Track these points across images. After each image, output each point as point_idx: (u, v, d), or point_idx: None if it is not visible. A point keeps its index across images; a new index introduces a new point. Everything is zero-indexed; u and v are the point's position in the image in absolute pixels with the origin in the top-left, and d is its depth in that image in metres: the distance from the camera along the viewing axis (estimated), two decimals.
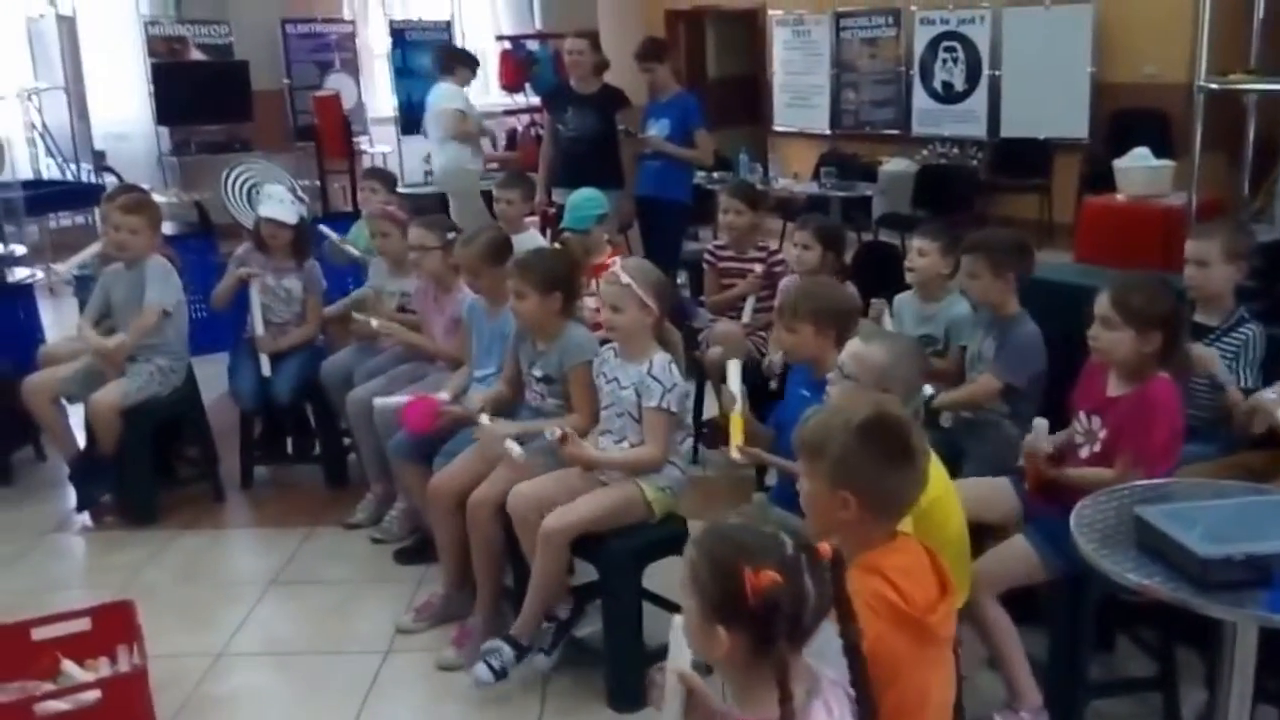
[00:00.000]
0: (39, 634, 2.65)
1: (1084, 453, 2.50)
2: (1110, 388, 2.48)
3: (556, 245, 4.02)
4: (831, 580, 1.39)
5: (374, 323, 3.64)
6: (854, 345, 2.33)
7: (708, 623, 1.37)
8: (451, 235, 3.54)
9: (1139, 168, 5.64)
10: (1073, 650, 2.38)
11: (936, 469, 2.14)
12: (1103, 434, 2.46)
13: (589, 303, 3.78)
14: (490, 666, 2.61)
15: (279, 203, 4.00)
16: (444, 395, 3.17)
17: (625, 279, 2.65)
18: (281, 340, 3.92)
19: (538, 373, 2.96)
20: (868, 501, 1.66)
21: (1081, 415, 2.53)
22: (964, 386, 3.03)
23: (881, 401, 1.81)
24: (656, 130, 5.28)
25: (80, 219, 7.72)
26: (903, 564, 1.67)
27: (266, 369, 3.85)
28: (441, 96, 6.14)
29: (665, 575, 2.66)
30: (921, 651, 1.63)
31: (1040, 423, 2.53)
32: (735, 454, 2.58)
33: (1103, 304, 2.43)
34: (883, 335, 2.75)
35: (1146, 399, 2.37)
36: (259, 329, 3.89)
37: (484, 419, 2.85)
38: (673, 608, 1.55)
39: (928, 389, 2.80)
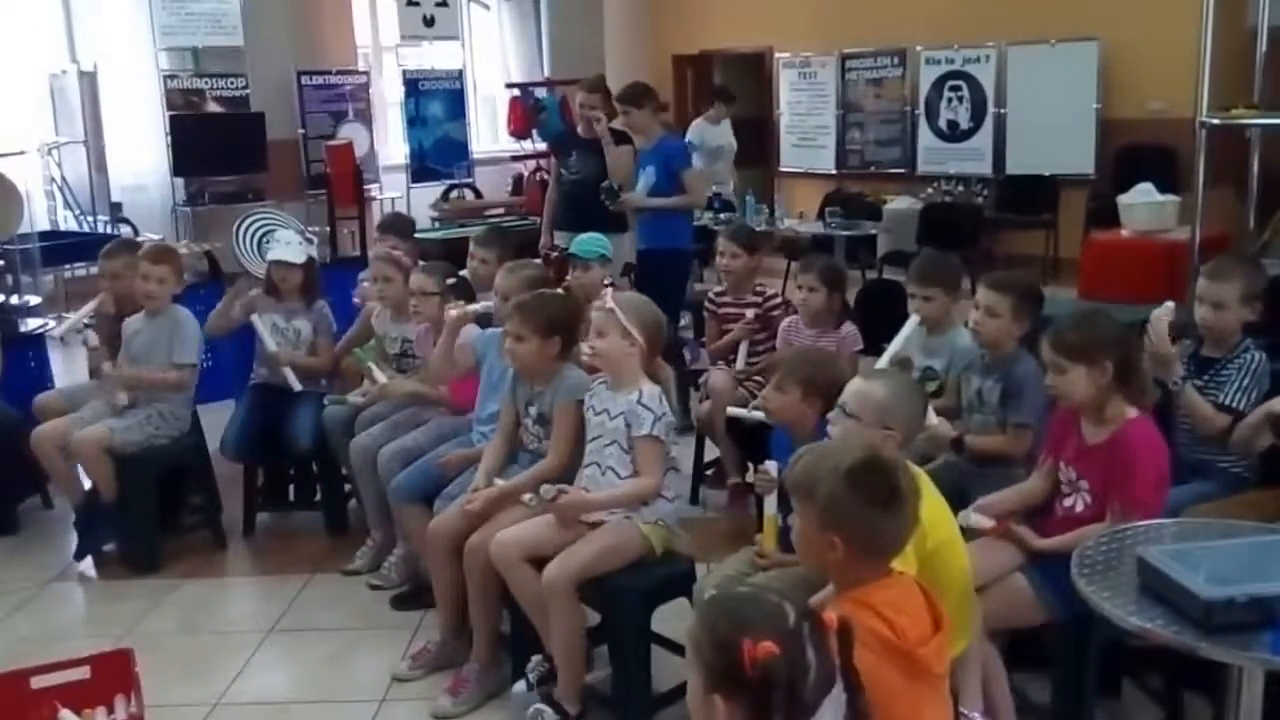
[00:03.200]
0: (38, 682, 2.63)
1: (1071, 503, 2.46)
2: (1087, 434, 2.44)
3: (560, 290, 4.02)
4: (840, 651, 1.38)
5: (377, 375, 3.64)
6: (856, 384, 2.32)
7: (707, 692, 1.36)
8: (451, 281, 3.56)
9: (1143, 203, 5.63)
10: (1078, 696, 2.33)
11: (944, 513, 2.12)
12: (1084, 484, 2.42)
13: (586, 348, 3.76)
14: None
15: (286, 245, 4.04)
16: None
17: (609, 304, 2.68)
18: (298, 357, 3.91)
19: (533, 412, 2.95)
20: (856, 544, 1.67)
21: (1061, 465, 2.49)
22: (997, 438, 2.92)
23: (872, 444, 1.79)
24: (643, 181, 5.08)
25: (95, 269, 7.79)
26: (893, 598, 1.67)
27: (296, 384, 3.85)
28: None
29: (674, 617, 2.62)
30: (914, 685, 1.62)
31: (970, 514, 2.41)
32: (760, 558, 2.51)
33: (1045, 351, 2.42)
34: (884, 373, 2.73)
35: (1124, 445, 2.34)
36: (271, 346, 3.87)
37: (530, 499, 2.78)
38: (683, 651, 1.52)
39: (932, 418, 2.76)
